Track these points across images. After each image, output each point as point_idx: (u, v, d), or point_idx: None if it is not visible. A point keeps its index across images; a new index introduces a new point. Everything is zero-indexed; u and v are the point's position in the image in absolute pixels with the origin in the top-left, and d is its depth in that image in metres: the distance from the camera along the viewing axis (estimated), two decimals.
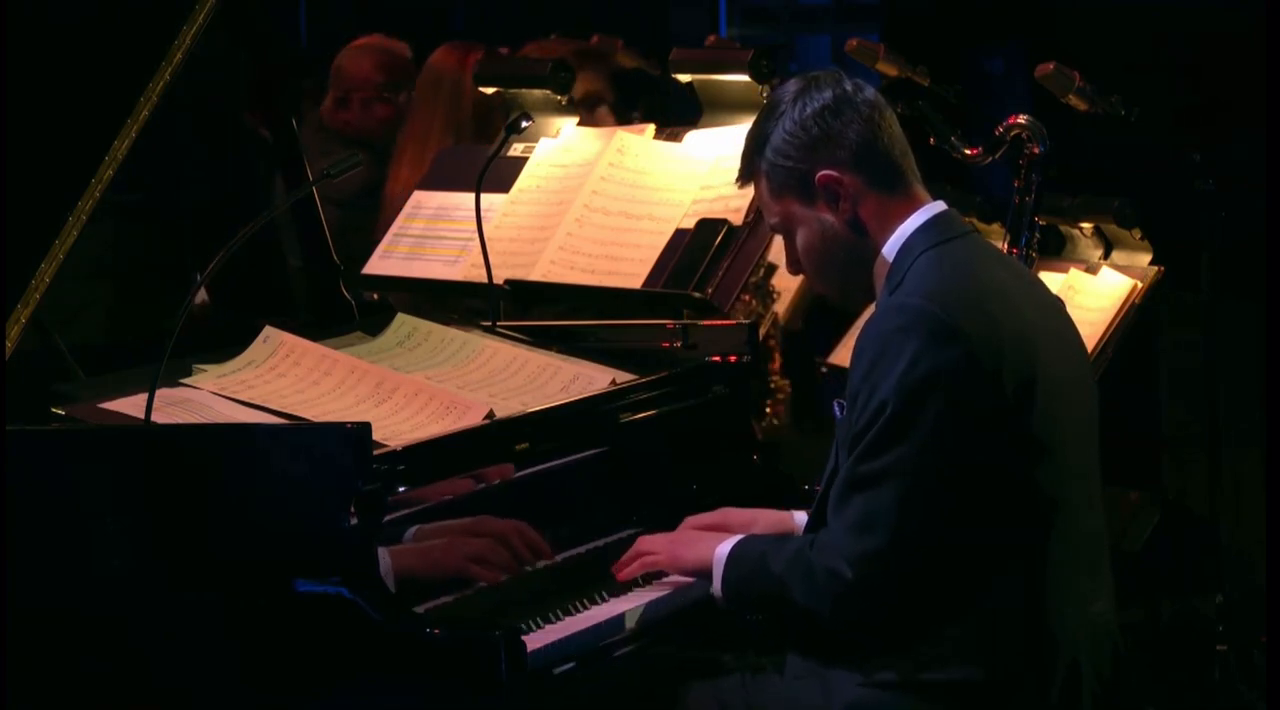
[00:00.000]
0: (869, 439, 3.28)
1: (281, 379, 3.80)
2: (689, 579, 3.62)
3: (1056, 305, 3.55)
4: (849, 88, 3.44)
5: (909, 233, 3.41)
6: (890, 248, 3.42)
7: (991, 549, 3.31)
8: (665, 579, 3.68)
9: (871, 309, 3.49)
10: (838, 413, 3.44)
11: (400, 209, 4.98)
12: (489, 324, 4.28)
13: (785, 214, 3.46)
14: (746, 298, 4.68)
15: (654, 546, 3.62)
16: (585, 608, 3.58)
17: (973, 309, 3.31)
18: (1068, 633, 3.34)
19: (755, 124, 3.49)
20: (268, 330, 3.91)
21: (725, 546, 3.48)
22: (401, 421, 3.67)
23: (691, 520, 3.71)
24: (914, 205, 3.44)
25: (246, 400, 3.72)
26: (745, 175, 3.51)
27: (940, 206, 3.46)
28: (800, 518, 3.71)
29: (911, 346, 3.27)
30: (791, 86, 3.46)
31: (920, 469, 3.26)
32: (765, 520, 3.70)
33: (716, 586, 3.48)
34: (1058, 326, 3.48)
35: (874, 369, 3.30)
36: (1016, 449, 3.31)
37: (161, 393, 3.56)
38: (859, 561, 3.28)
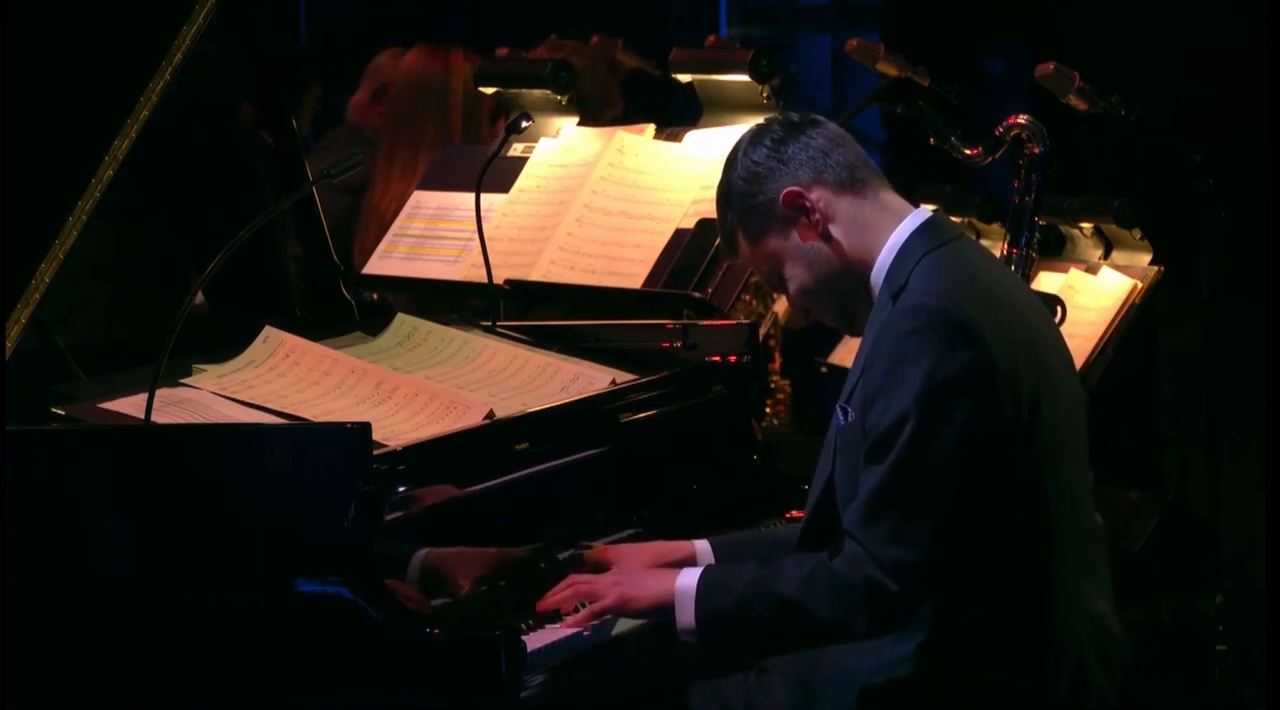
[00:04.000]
0: (899, 446, 3.25)
1: (281, 379, 3.80)
2: (691, 579, 3.59)
3: (1047, 313, 3.56)
4: (795, 118, 3.47)
5: (905, 237, 3.40)
6: (886, 255, 3.40)
7: (1001, 550, 3.31)
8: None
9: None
10: (840, 419, 3.41)
11: (387, 219, 4.98)
12: (489, 324, 4.28)
13: (769, 256, 3.45)
14: (747, 298, 4.69)
15: (596, 589, 3.47)
16: (585, 607, 3.57)
17: (987, 311, 3.30)
18: (1072, 633, 3.34)
19: (719, 184, 3.50)
20: (268, 330, 3.91)
21: (688, 578, 3.39)
22: (401, 421, 3.67)
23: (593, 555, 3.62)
24: (895, 211, 3.43)
25: (246, 400, 3.72)
26: (728, 243, 3.51)
27: (930, 212, 3.46)
28: (702, 546, 3.64)
29: (933, 349, 3.26)
30: (744, 137, 3.49)
31: (951, 473, 3.23)
32: (655, 549, 3.62)
33: (688, 620, 3.37)
34: (1053, 333, 3.49)
35: (893, 372, 3.28)
36: (1029, 450, 3.30)
37: (161, 393, 3.56)
38: (901, 572, 3.24)
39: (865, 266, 3.42)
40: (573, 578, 3.52)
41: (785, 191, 3.40)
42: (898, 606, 3.27)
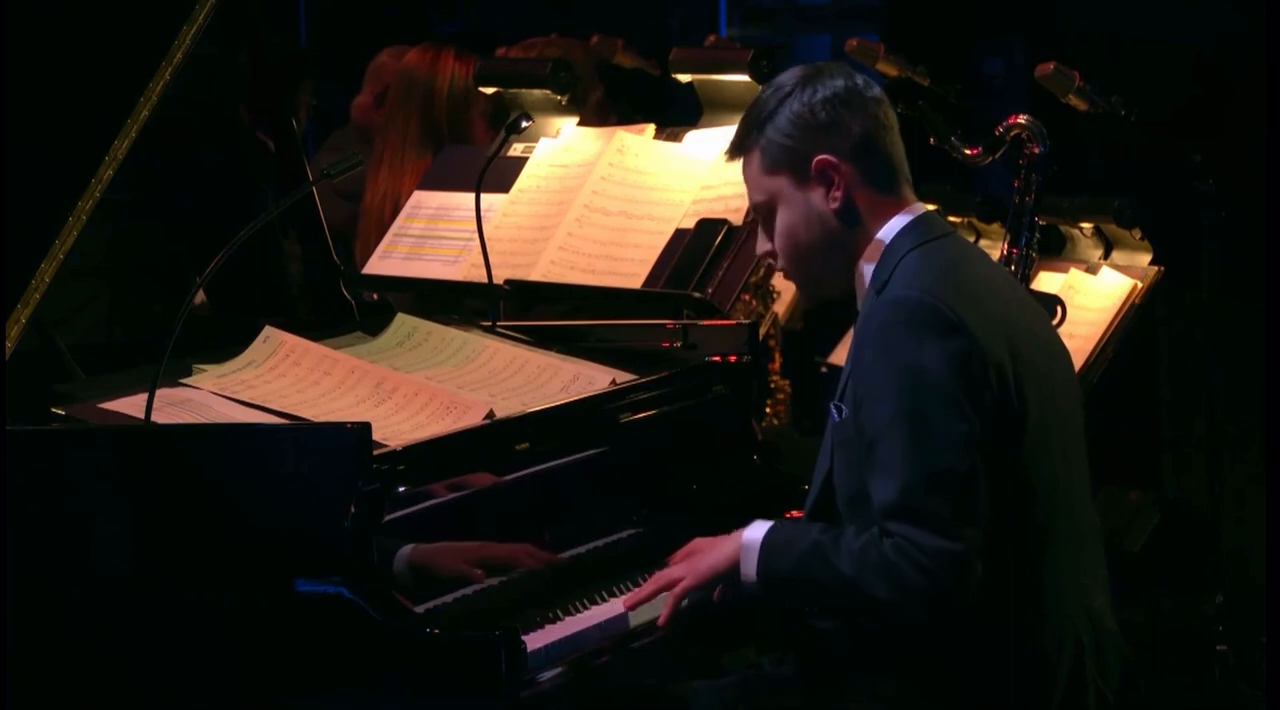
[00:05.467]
0: (906, 437, 3.24)
1: (281, 379, 3.81)
2: (758, 534, 3.56)
3: (1039, 310, 3.56)
4: (859, 82, 3.44)
5: (894, 232, 3.41)
6: (873, 250, 3.41)
7: (998, 546, 3.31)
8: None
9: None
10: (835, 416, 3.42)
11: (379, 219, 4.97)
12: (489, 324, 4.28)
13: (774, 191, 3.45)
14: (746, 298, 4.68)
15: (674, 575, 3.49)
16: (585, 607, 3.58)
17: (970, 304, 3.31)
18: (1069, 630, 3.35)
19: (755, 103, 3.46)
20: (268, 330, 3.91)
21: (755, 532, 3.40)
22: (401, 421, 3.67)
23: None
24: (901, 206, 3.44)
25: (246, 400, 3.73)
26: (738, 148, 3.48)
27: (924, 208, 3.47)
28: None
29: (916, 340, 3.26)
30: (798, 71, 3.45)
31: (960, 459, 3.23)
32: None
33: (750, 573, 3.39)
34: (1044, 329, 3.49)
35: (877, 366, 3.29)
36: (1017, 443, 3.31)
37: (161, 393, 3.56)
38: (948, 562, 3.23)
39: (854, 251, 3.43)
40: (658, 575, 3.51)
41: (821, 158, 3.40)
42: (953, 597, 3.25)
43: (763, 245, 3.51)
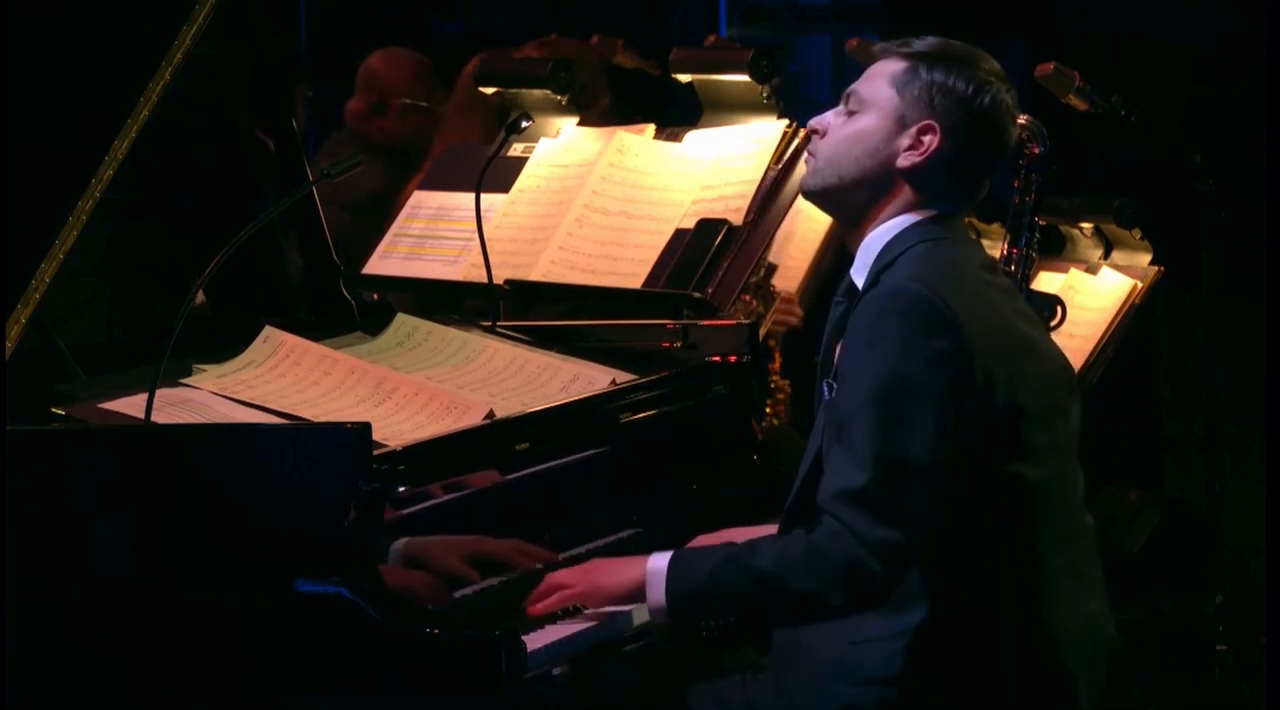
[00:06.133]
0: (869, 428, 3.25)
1: (281, 379, 3.80)
2: (662, 562, 3.57)
3: (1036, 319, 3.56)
4: (1020, 119, 3.50)
5: (916, 220, 3.40)
6: (886, 231, 3.41)
7: (983, 548, 3.31)
8: None
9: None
10: (825, 394, 3.42)
11: None
12: (489, 324, 4.28)
13: (879, 100, 3.42)
14: (746, 298, 4.69)
15: (568, 579, 3.49)
16: (585, 607, 3.58)
17: (969, 304, 3.31)
18: (1061, 635, 3.34)
19: (948, 45, 3.47)
20: (268, 330, 3.91)
21: (659, 560, 3.38)
22: (401, 421, 3.67)
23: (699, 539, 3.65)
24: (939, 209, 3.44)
25: (246, 400, 3.73)
26: (895, 44, 3.48)
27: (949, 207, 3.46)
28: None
29: (907, 331, 3.26)
30: (993, 65, 3.45)
31: (923, 455, 3.23)
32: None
33: (659, 599, 3.36)
34: (1043, 337, 3.49)
35: (869, 350, 3.28)
36: (1007, 447, 3.31)
37: (161, 393, 3.56)
38: (886, 552, 3.23)
39: (878, 202, 3.42)
40: (549, 577, 3.51)
41: (932, 125, 3.39)
42: (879, 586, 3.26)
43: (820, 119, 3.50)
